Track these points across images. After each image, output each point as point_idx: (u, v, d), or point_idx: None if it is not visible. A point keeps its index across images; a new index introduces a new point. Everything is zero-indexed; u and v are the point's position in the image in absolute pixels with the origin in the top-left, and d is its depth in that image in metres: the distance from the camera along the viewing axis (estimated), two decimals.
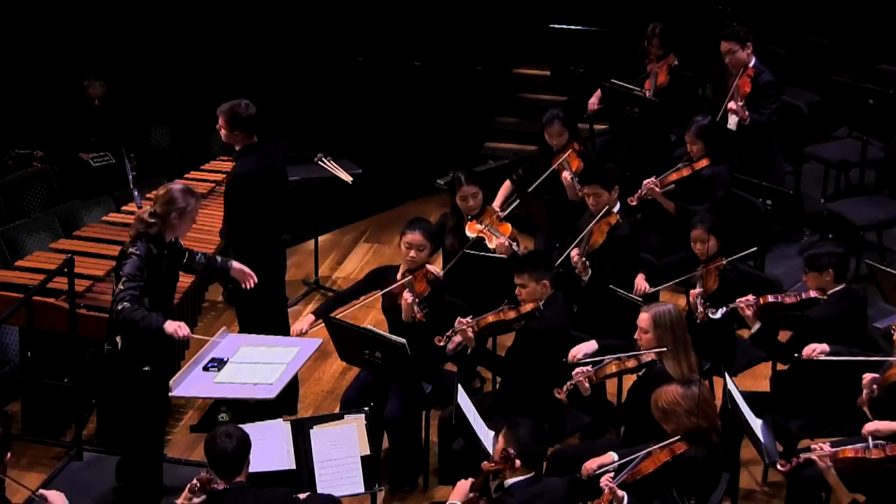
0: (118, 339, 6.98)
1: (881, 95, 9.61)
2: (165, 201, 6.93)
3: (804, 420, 7.13)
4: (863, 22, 11.73)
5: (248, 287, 7.50)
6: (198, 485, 5.85)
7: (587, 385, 6.87)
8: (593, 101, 10.16)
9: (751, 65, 9.45)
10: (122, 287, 6.79)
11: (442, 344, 7.27)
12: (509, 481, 5.98)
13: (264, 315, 8.03)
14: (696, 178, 8.78)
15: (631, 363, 6.87)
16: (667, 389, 6.30)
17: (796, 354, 6.94)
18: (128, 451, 7.29)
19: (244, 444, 5.93)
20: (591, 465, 6.45)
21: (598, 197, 8.10)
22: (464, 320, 7.26)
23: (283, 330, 8.16)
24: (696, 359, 6.89)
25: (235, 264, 7.49)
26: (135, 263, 6.82)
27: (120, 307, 6.74)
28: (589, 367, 6.87)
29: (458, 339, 7.30)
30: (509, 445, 5.94)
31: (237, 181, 7.89)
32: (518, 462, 5.93)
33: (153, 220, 6.91)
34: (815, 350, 6.87)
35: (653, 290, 7.89)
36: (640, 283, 7.93)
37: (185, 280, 7.82)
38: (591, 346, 7.16)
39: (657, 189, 8.66)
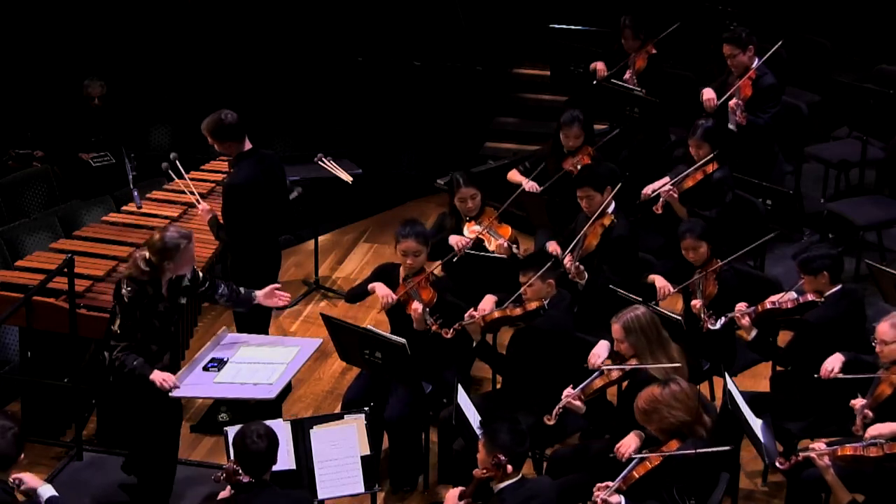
0: (106, 354, 7.03)
1: (881, 95, 9.61)
2: (157, 250, 6.89)
3: (805, 422, 7.13)
4: (863, 22, 11.73)
5: (282, 305, 7.48)
6: (223, 475, 5.88)
7: (579, 404, 6.86)
8: (602, 67, 10.11)
9: (753, 67, 9.44)
10: (117, 330, 6.88)
11: (449, 336, 7.26)
12: (499, 486, 5.98)
13: (259, 316, 8.05)
14: (707, 182, 8.76)
15: (615, 374, 6.88)
16: (645, 391, 6.36)
17: (816, 375, 6.91)
18: (135, 450, 7.29)
19: (273, 444, 5.99)
20: (626, 449, 6.45)
21: (590, 199, 8.10)
22: (474, 313, 7.27)
23: (265, 326, 8.21)
24: (679, 350, 6.86)
25: (260, 294, 7.40)
26: (126, 307, 6.86)
27: (115, 355, 6.87)
28: (573, 389, 6.86)
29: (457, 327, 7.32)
30: (493, 452, 5.94)
31: (232, 189, 7.89)
32: (510, 467, 5.94)
33: (146, 269, 6.91)
34: (834, 370, 6.86)
35: (674, 290, 7.85)
36: (663, 284, 7.89)
37: None
38: (605, 346, 7.14)
39: (675, 195, 8.64)
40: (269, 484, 6.00)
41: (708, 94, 9.46)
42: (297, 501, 6.12)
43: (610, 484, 6.20)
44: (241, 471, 5.92)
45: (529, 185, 8.91)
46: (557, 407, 6.83)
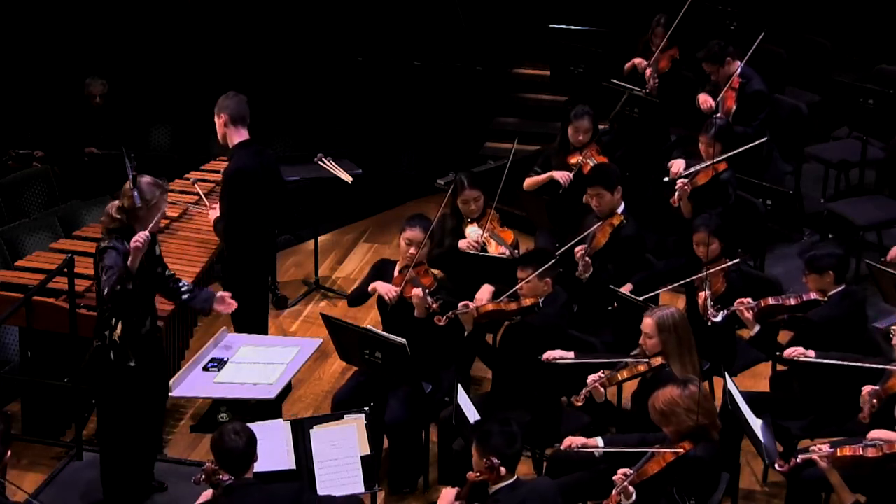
0: (117, 330, 6.93)
1: (881, 95, 9.61)
2: (132, 195, 6.82)
3: (805, 421, 7.13)
4: (863, 22, 11.74)
5: (227, 312, 7.44)
6: (203, 476, 5.86)
7: (602, 391, 6.88)
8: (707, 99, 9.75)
9: (736, 75, 9.44)
10: (105, 277, 6.76)
11: (442, 323, 7.28)
12: (493, 488, 5.98)
13: (255, 312, 8.07)
14: (714, 181, 8.75)
15: (642, 367, 6.88)
16: (664, 391, 6.32)
17: (778, 353, 6.95)
18: (107, 448, 7.22)
19: (252, 441, 5.95)
20: (575, 441, 6.50)
21: (600, 198, 8.11)
22: (468, 303, 7.31)
23: (263, 324, 8.24)
24: (698, 359, 6.91)
25: (216, 303, 7.30)
26: (113, 256, 6.78)
27: (107, 290, 6.73)
28: (602, 374, 6.88)
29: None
30: (486, 455, 5.93)
31: (234, 175, 7.89)
32: (503, 470, 5.93)
33: (119, 216, 6.86)
34: (797, 351, 6.91)
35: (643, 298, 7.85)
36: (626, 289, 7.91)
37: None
38: (569, 355, 7.15)
39: (688, 189, 8.61)
40: (253, 482, 5.96)
41: (704, 98, 9.48)
42: (280, 498, 6.05)
43: (629, 471, 6.21)
44: (220, 470, 5.88)
45: (563, 176, 8.83)
46: (585, 389, 6.84)
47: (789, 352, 6.96)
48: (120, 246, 6.80)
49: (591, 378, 6.88)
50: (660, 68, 10.08)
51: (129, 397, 6.99)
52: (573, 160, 9.00)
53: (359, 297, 7.85)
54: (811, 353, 6.93)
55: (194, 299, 7.30)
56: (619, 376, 6.92)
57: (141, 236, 6.73)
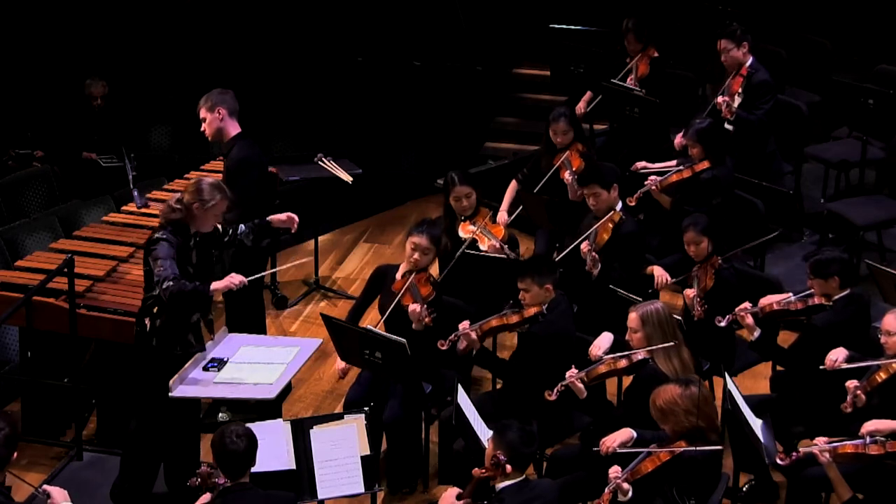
0: (147, 321, 7.02)
1: (881, 95, 9.60)
2: (193, 191, 6.99)
3: (805, 426, 7.12)
4: (863, 22, 11.73)
5: (293, 231, 7.58)
6: (198, 480, 5.85)
7: (581, 386, 6.87)
8: (581, 106, 10.18)
9: (746, 64, 9.47)
10: (160, 267, 6.84)
11: (445, 348, 7.26)
12: (499, 486, 5.97)
13: (252, 309, 8.06)
14: (696, 181, 8.78)
15: (622, 363, 6.89)
16: (665, 389, 6.31)
17: (821, 367, 6.90)
18: (135, 445, 7.25)
19: (253, 444, 5.95)
20: (612, 444, 6.42)
21: (597, 197, 8.12)
22: (467, 325, 7.27)
23: (261, 324, 8.34)
24: (689, 355, 6.89)
25: (274, 217, 7.51)
26: (165, 247, 6.88)
27: (165, 286, 6.80)
28: (578, 370, 6.87)
29: (463, 344, 7.30)
30: (499, 450, 5.93)
31: (242, 164, 7.91)
32: (509, 467, 5.92)
33: (178, 207, 6.97)
34: (838, 360, 6.86)
35: (672, 281, 7.88)
36: (661, 273, 7.93)
37: None
38: (608, 338, 7.15)
39: (656, 189, 8.68)
40: (250, 486, 5.95)
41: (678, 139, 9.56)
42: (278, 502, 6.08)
43: (623, 469, 6.20)
44: (216, 472, 5.86)
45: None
46: (560, 384, 6.84)
47: (829, 364, 6.88)
48: (172, 238, 6.91)
49: (569, 373, 6.88)
50: (640, 74, 10.04)
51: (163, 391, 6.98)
52: (556, 161, 9.02)
53: (359, 308, 7.84)
54: (844, 352, 6.88)
55: (256, 232, 7.46)
56: (598, 371, 6.92)
57: (234, 280, 6.90)
